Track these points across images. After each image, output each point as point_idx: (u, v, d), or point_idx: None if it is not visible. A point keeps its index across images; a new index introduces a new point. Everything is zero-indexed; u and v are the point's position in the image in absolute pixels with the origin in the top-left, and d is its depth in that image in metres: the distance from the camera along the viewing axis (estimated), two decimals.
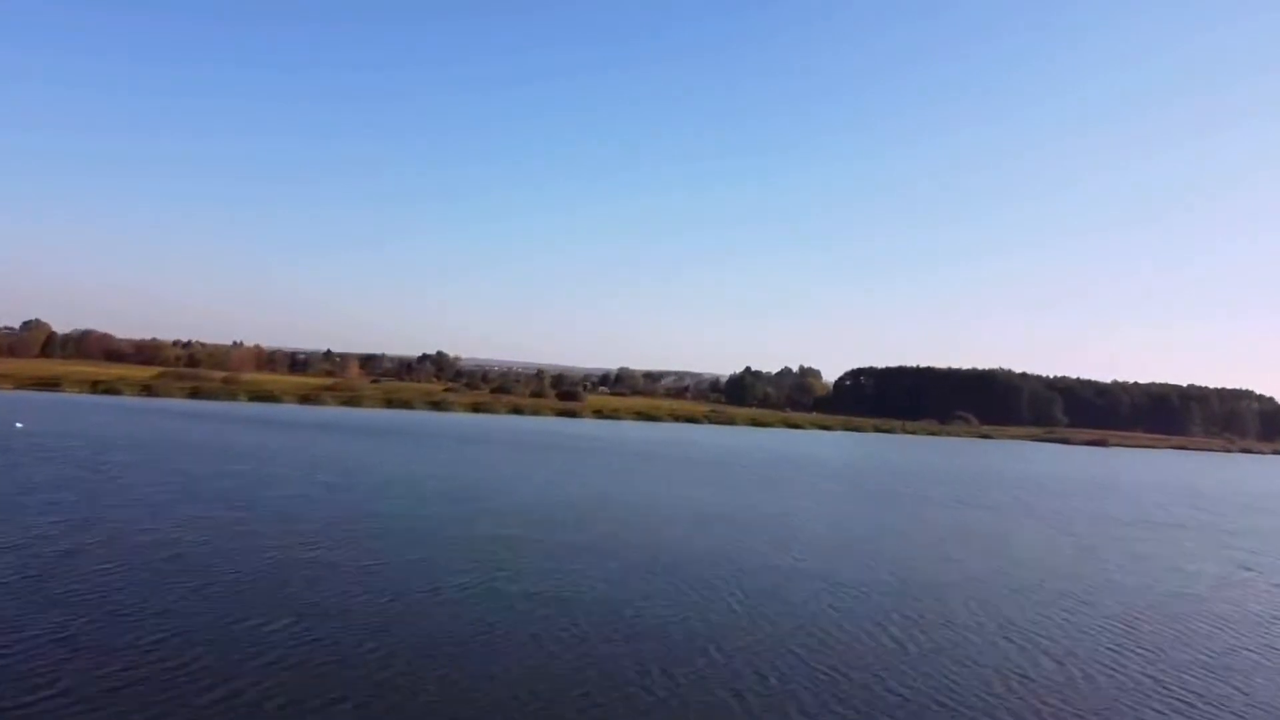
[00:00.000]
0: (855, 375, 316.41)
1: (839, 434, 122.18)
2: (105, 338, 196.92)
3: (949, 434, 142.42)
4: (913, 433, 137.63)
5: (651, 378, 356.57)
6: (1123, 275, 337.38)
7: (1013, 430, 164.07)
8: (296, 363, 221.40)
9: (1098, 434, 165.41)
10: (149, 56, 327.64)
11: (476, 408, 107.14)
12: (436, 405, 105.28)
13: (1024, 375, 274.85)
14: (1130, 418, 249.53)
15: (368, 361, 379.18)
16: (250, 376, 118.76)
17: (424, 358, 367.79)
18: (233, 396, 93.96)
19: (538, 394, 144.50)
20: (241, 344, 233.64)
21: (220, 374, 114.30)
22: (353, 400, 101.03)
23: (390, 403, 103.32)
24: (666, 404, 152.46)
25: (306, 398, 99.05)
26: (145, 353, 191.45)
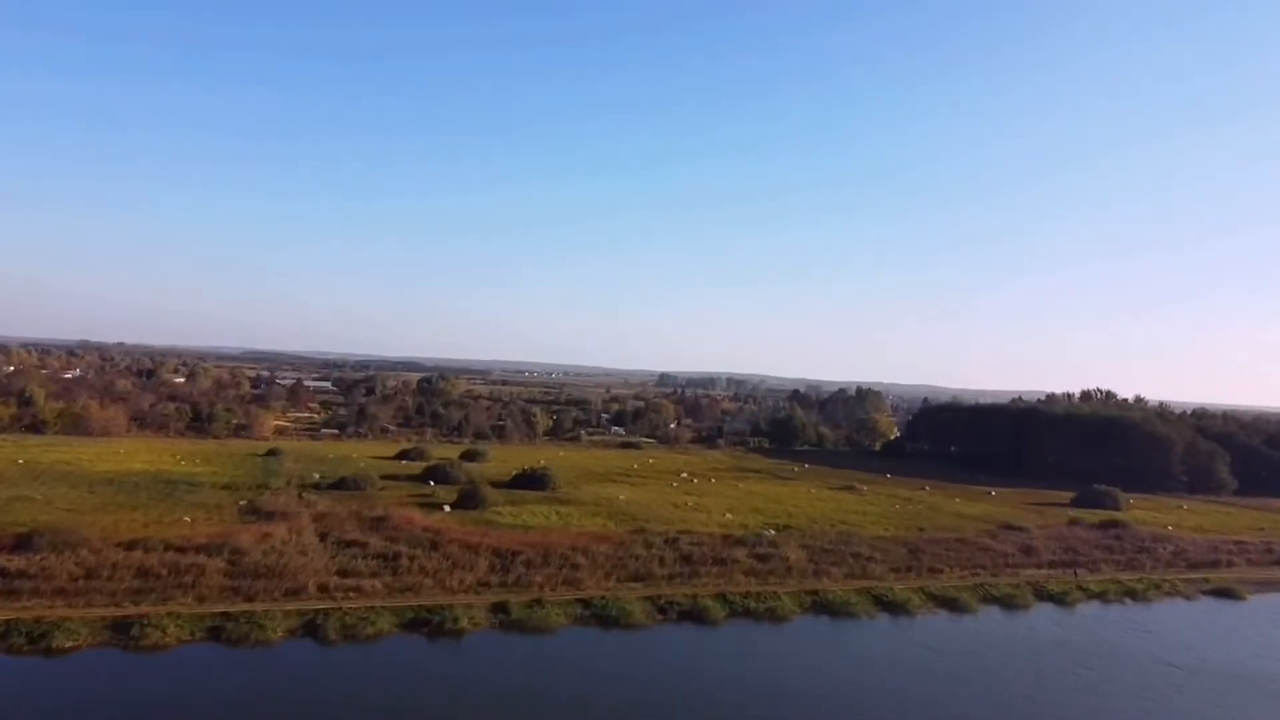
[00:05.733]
0: (932, 413, 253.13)
1: (989, 629, 64.81)
2: None
3: (1155, 587, 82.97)
4: (1100, 594, 78.84)
5: (684, 405, 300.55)
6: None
7: (1217, 529, 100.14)
8: (200, 420, 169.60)
9: None
10: None
11: (308, 628, 51.77)
12: (214, 636, 50.04)
13: (1165, 416, 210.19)
14: None
15: (356, 384, 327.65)
16: None
17: (424, 383, 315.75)
18: None
19: (496, 485, 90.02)
20: (119, 385, 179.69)
21: None
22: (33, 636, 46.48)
23: (113, 631, 48.59)
24: (679, 519, 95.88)
25: None
26: None
